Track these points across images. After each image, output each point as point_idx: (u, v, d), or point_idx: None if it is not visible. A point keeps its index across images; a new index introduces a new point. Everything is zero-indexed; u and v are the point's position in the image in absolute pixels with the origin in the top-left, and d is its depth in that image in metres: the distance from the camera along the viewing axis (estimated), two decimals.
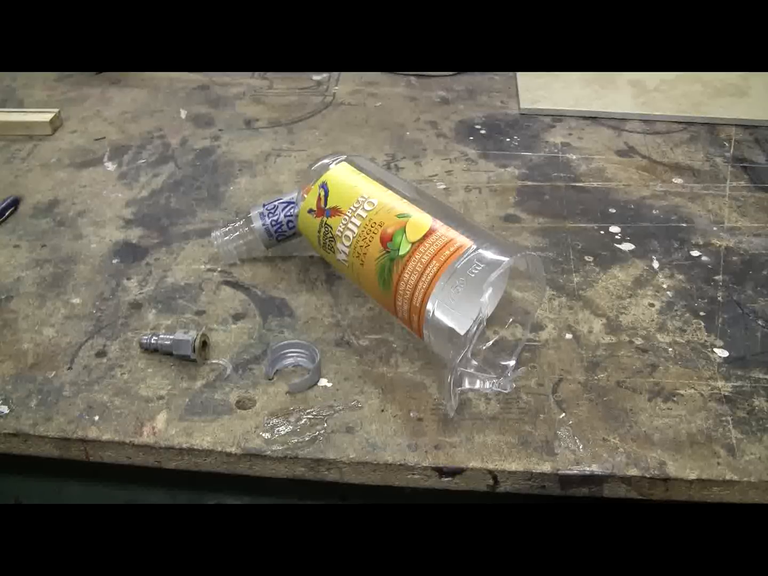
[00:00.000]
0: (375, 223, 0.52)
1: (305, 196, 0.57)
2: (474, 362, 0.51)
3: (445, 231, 0.50)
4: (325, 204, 0.55)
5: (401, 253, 0.50)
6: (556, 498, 0.48)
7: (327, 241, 0.55)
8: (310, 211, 0.56)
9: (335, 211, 0.54)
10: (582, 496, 0.48)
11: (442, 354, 0.50)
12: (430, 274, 0.48)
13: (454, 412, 0.50)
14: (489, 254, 0.47)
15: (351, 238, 0.53)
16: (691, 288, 0.61)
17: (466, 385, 0.51)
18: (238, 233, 0.63)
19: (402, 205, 0.52)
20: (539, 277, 0.52)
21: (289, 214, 0.62)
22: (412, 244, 0.50)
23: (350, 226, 0.53)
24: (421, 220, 0.51)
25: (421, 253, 0.49)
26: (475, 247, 0.48)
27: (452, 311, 0.47)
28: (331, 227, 0.55)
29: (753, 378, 0.53)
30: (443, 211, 0.53)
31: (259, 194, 0.73)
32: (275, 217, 0.62)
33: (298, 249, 0.65)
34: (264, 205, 0.63)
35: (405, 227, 0.51)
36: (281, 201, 0.63)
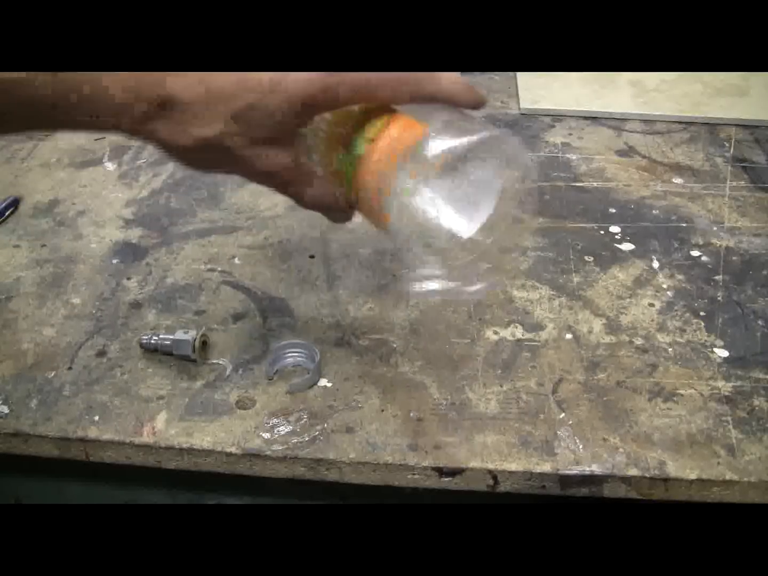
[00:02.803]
0: (334, 123, 0.47)
1: None
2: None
3: (404, 119, 0.45)
4: None
5: (359, 153, 0.45)
6: (556, 498, 0.48)
7: None
8: None
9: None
10: (582, 496, 0.48)
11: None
12: (386, 169, 0.44)
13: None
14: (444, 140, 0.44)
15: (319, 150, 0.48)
16: (691, 288, 0.61)
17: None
18: None
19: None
20: (521, 156, 0.47)
21: None
22: (371, 141, 0.45)
23: (319, 134, 0.48)
24: (380, 114, 0.46)
25: (380, 150, 0.44)
26: (431, 137, 0.44)
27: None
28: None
29: (753, 378, 0.53)
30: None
31: (259, 194, 0.72)
32: None
33: (298, 249, 0.66)
34: None
35: (364, 125, 0.46)
36: None
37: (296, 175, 0.46)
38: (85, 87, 0.41)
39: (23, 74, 0.40)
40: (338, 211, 0.49)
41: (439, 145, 0.43)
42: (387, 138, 0.45)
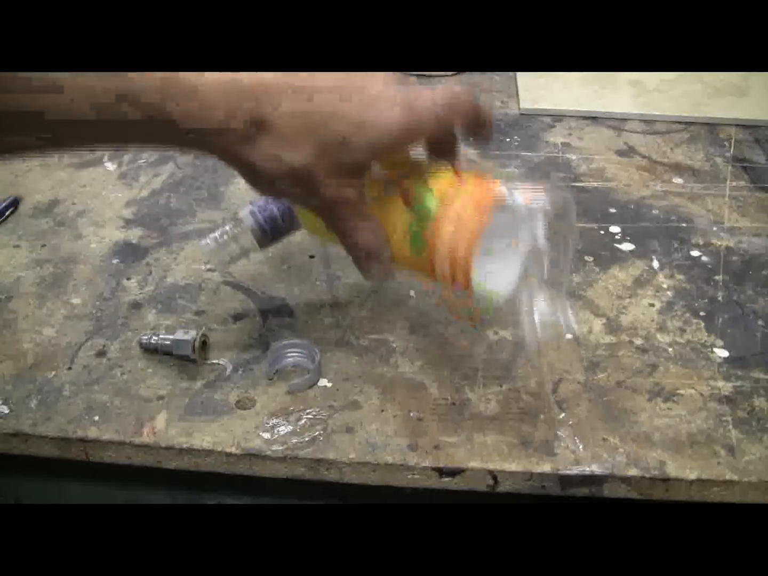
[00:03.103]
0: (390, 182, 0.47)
1: None
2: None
3: (469, 174, 0.46)
4: None
5: (431, 209, 0.45)
6: (556, 498, 0.48)
7: None
8: None
9: None
10: (582, 496, 0.48)
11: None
12: (472, 225, 0.44)
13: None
14: (523, 202, 0.44)
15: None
16: (691, 288, 0.61)
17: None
18: (229, 237, 0.58)
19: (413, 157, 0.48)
20: (571, 216, 0.48)
21: (282, 206, 0.57)
22: (443, 194, 0.45)
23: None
24: (439, 166, 0.46)
25: (456, 204, 0.44)
26: (508, 193, 0.44)
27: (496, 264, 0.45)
28: None
29: (753, 378, 0.53)
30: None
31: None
32: (267, 213, 0.57)
33: (299, 249, 0.65)
34: (253, 203, 0.59)
35: (423, 178, 0.46)
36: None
37: (356, 211, 0.45)
38: (193, 100, 0.41)
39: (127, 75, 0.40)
40: (382, 263, 0.47)
41: (518, 201, 0.44)
42: (466, 195, 0.44)
